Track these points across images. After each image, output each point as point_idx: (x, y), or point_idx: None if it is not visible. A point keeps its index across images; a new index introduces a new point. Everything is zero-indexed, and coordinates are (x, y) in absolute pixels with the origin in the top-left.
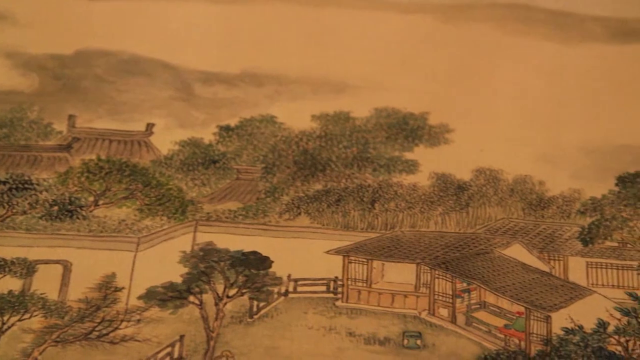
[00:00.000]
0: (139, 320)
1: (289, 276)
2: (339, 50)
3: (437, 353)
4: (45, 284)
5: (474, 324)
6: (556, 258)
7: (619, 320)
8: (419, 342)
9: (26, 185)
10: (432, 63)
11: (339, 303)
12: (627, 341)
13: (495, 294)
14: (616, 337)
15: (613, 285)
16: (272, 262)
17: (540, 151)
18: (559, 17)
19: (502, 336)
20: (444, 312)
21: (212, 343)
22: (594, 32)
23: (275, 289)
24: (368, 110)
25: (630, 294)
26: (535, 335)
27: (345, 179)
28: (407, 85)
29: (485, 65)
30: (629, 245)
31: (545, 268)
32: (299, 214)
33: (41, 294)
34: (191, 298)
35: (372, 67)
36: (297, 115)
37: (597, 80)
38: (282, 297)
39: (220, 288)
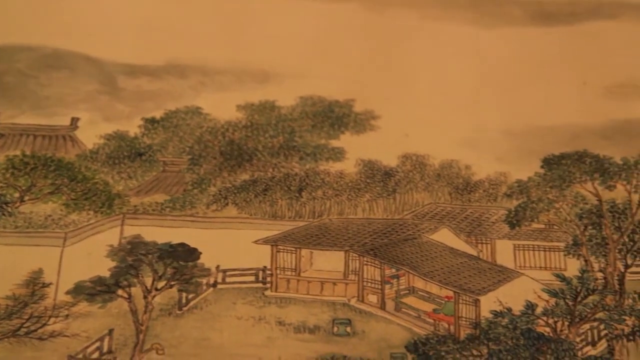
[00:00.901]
0: (67, 316)
1: (217, 267)
2: (262, 39)
3: (366, 340)
4: None
5: (403, 309)
6: (484, 241)
7: (547, 301)
8: (348, 329)
9: None
10: (356, 50)
11: (268, 292)
12: (555, 322)
13: (423, 279)
14: (544, 318)
15: (540, 267)
16: (201, 253)
17: (465, 135)
18: (478, 0)
19: (432, 321)
20: (373, 298)
21: (141, 336)
22: (513, 15)
23: (204, 280)
24: (293, 99)
25: (557, 275)
26: (464, 319)
27: (272, 169)
28: (331, 72)
29: (408, 51)
30: (555, 227)
31: (473, 252)
32: (227, 204)
33: None
34: (120, 292)
35: (296, 56)
36: (223, 106)
37: (517, 63)
38: (211, 288)
39: (148, 281)
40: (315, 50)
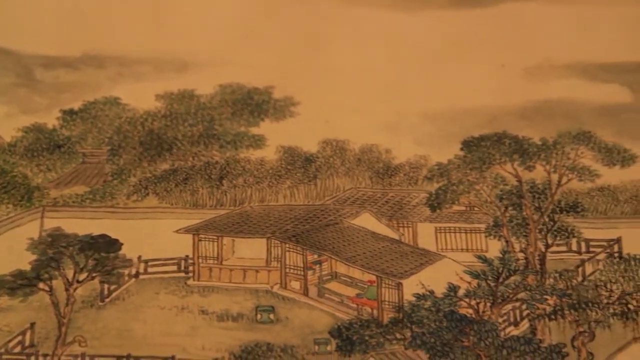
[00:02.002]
0: None
1: (139, 257)
2: (180, 28)
3: (290, 326)
4: None
5: (326, 295)
6: (405, 225)
7: (469, 283)
8: (272, 316)
9: None
10: (275, 37)
11: (190, 282)
12: (477, 304)
13: (346, 264)
14: (467, 300)
15: (462, 249)
16: (122, 244)
17: (385, 120)
18: None
19: (355, 306)
20: (296, 285)
21: (63, 329)
22: None
23: (126, 271)
24: (212, 87)
25: (479, 257)
26: (387, 302)
27: (192, 157)
28: (250, 60)
29: (327, 36)
30: (476, 209)
31: (395, 235)
32: (147, 194)
33: None
34: (41, 285)
35: (215, 43)
36: (141, 96)
37: (437, 46)
38: (133, 279)
39: (70, 273)
40: (233, 38)
